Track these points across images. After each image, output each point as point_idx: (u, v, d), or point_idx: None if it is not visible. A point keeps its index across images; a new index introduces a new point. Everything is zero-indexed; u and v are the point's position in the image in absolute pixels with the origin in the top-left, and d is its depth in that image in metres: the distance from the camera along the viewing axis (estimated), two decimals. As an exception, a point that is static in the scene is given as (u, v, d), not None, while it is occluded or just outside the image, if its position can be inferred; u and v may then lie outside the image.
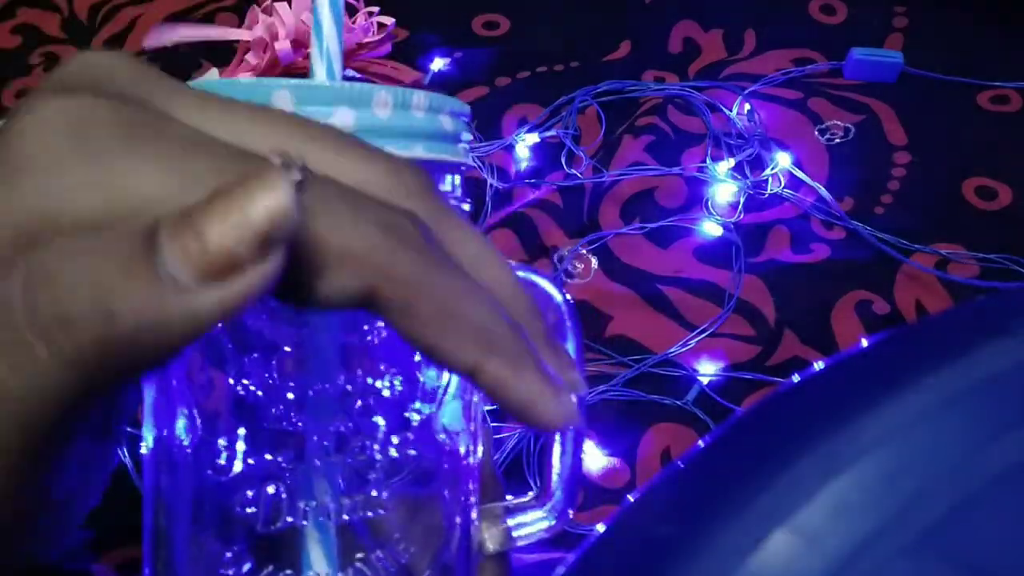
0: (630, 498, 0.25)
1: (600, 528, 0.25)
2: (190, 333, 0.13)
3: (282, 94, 0.21)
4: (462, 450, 0.26)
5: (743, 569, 0.19)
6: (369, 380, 0.23)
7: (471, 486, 0.26)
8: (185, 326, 0.13)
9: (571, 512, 0.27)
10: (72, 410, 0.14)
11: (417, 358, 0.25)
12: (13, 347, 0.12)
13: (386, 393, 0.24)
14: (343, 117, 0.21)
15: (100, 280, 0.12)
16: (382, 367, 0.24)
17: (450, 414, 0.25)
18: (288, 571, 0.23)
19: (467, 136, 0.24)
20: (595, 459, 0.46)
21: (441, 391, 0.25)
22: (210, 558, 0.23)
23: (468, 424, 0.26)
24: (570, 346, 0.27)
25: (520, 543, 0.27)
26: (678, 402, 0.48)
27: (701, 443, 0.25)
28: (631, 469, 0.46)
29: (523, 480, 0.46)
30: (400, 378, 0.24)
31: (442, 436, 0.25)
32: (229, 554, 0.23)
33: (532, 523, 0.27)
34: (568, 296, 0.27)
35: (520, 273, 0.26)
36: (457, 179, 0.25)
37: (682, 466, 0.25)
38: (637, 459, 0.46)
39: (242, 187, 0.13)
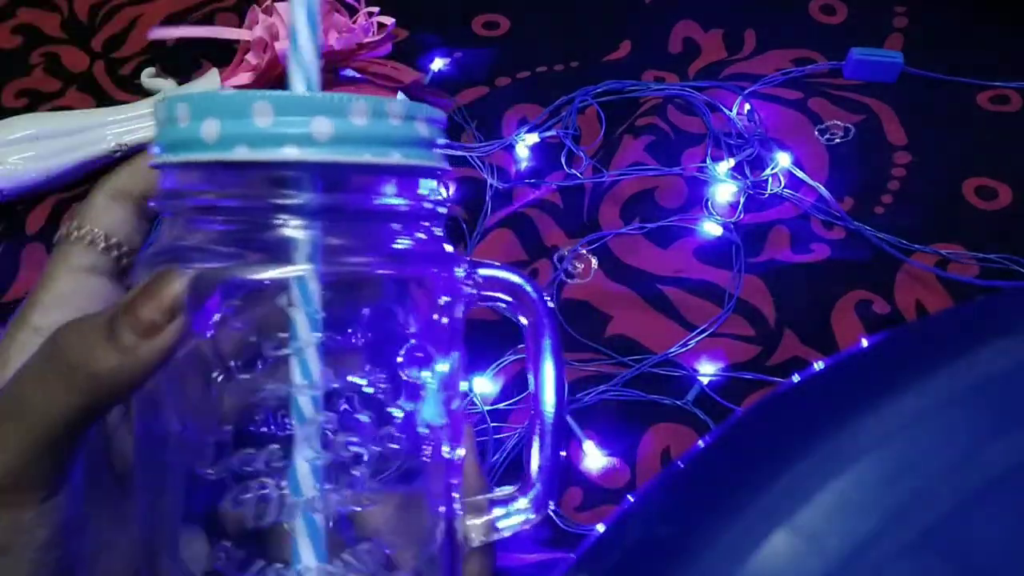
0: (630, 498, 0.25)
1: (600, 528, 0.25)
2: (140, 371, 0.21)
3: (262, 105, 0.21)
4: (444, 446, 0.26)
5: (743, 569, 0.19)
6: (351, 379, 0.24)
7: (454, 480, 0.27)
8: (136, 366, 0.21)
9: (551, 503, 0.28)
10: (80, 419, 0.22)
11: (400, 358, 0.25)
12: (45, 382, 0.21)
13: (369, 391, 0.24)
14: (321, 126, 0.22)
15: (88, 344, 0.21)
16: (364, 366, 0.24)
17: (431, 410, 0.26)
18: (279, 565, 0.23)
19: (442, 141, 0.25)
20: (595, 459, 0.46)
21: (422, 388, 0.26)
22: (202, 554, 0.24)
23: (449, 419, 0.26)
24: (546, 344, 0.28)
25: (504, 534, 0.28)
26: (678, 402, 0.48)
27: (701, 443, 0.25)
28: (631, 469, 0.46)
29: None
30: (383, 376, 0.25)
31: (424, 430, 0.26)
32: (221, 549, 0.24)
33: (514, 515, 0.28)
34: (546, 297, 0.28)
35: (500, 273, 0.27)
36: (434, 183, 0.25)
37: (682, 466, 0.25)
38: (637, 459, 0.46)
39: (154, 283, 0.22)
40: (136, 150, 0.60)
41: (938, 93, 0.63)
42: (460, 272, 0.26)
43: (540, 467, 0.28)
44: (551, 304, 0.28)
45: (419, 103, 0.24)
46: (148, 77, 0.63)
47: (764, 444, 0.23)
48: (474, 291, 0.27)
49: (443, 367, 0.26)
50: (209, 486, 0.23)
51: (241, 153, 0.22)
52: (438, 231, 0.26)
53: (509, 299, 0.27)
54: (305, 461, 0.23)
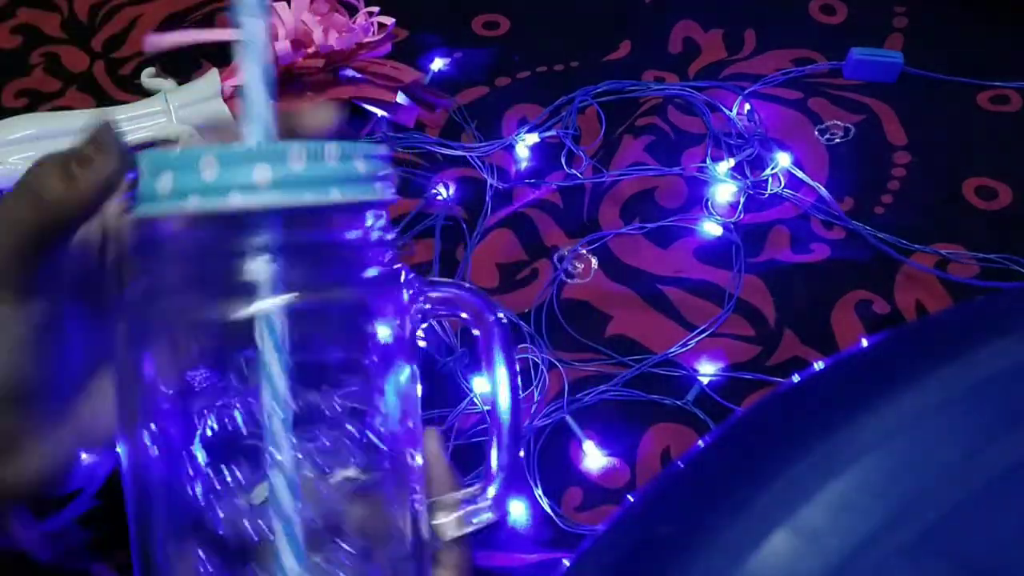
0: (630, 498, 0.25)
1: (600, 528, 0.26)
2: (80, 199, 0.26)
3: (208, 159, 0.24)
4: (404, 454, 0.28)
5: (743, 569, 0.19)
6: (313, 399, 0.27)
7: (417, 484, 0.29)
8: (77, 195, 0.26)
9: (510, 497, 0.30)
10: (40, 235, 0.27)
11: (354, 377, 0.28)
12: (14, 203, 0.26)
13: (332, 406, 0.27)
14: (262, 173, 0.24)
15: (46, 175, 0.27)
16: (325, 386, 0.27)
17: (388, 422, 0.28)
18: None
19: (384, 173, 0.27)
20: (595, 459, 0.46)
21: (378, 403, 0.28)
22: (187, 557, 0.26)
23: (405, 428, 0.28)
24: (497, 352, 0.29)
25: (475, 528, 0.30)
26: (678, 402, 0.48)
27: (701, 443, 0.25)
28: (631, 469, 0.46)
29: (521, 480, 0.46)
30: (343, 393, 0.27)
31: (377, 440, 0.28)
32: (203, 554, 0.26)
33: (482, 511, 0.30)
34: (500, 316, 0.29)
35: (451, 291, 0.29)
36: (380, 215, 0.28)
37: (682, 466, 0.25)
38: (637, 459, 0.46)
39: (94, 132, 0.27)
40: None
41: (938, 93, 0.63)
42: (409, 293, 0.28)
43: (500, 465, 0.30)
44: (501, 316, 0.29)
45: (356, 142, 0.26)
46: (148, 77, 0.63)
47: (764, 444, 0.23)
48: (428, 306, 0.29)
49: (397, 382, 0.28)
50: (191, 501, 0.26)
51: (193, 203, 0.24)
52: (387, 256, 0.28)
53: (463, 314, 0.29)
54: (280, 475, 0.24)
